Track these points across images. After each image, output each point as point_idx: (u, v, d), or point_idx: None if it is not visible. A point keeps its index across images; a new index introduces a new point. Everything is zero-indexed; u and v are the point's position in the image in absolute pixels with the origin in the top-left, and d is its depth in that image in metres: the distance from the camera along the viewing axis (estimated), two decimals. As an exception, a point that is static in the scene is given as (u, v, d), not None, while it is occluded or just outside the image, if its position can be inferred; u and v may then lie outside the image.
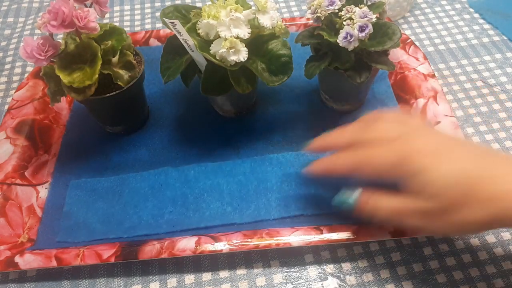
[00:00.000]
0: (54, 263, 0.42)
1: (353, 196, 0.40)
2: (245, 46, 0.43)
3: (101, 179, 0.50)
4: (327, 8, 0.45)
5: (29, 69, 0.66)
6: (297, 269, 0.44)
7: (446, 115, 0.51)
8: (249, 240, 0.42)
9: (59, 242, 0.45)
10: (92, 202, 0.48)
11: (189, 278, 0.44)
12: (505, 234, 0.45)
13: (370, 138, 0.40)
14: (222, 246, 0.42)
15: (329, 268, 0.44)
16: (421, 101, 0.53)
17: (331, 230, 0.43)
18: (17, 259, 0.43)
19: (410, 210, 0.36)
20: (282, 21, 0.61)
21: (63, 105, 0.58)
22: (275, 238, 0.42)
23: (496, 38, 0.67)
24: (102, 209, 0.48)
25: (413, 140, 0.38)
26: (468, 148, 0.37)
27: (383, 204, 0.38)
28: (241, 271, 0.44)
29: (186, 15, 0.50)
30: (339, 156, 0.41)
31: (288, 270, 0.44)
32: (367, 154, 0.39)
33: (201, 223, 0.46)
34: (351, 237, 0.42)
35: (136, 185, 0.49)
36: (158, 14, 0.75)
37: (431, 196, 0.35)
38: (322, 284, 0.42)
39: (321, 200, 0.47)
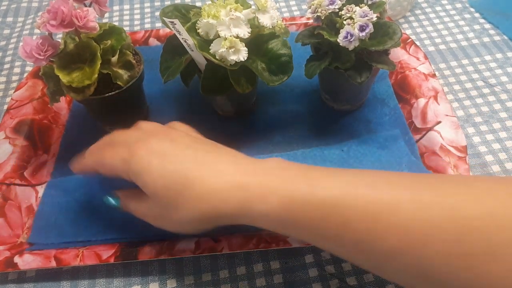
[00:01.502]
0: (53, 264, 0.42)
1: (115, 200, 0.42)
2: (245, 46, 0.43)
3: (74, 178, 0.49)
4: (327, 7, 0.45)
5: (28, 68, 0.66)
6: (297, 269, 0.44)
7: (446, 115, 0.51)
8: (249, 240, 0.42)
9: (29, 243, 0.45)
10: (65, 202, 0.48)
11: (189, 279, 0.43)
12: (506, 235, 0.45)
13: (124, 137, 0.41)
14: (222, 246, 0.42)
15: (329, 268, 0.44)
16: (421, 101, 0.53)
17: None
18: (16, 259, 0.42)
19: (147, 211, 0.38)
20: (282, 20, 0.61)
21: (63, 105, 0.58)
22: (275, 238, 0.42)
23: (497, 38, 0.67)
24: (73, 210, 0.47)
25: (149, 139, 0.38)
26: (195, 149, 0.38)
27: (132, 208, 0.40)
28: (241, 271, 0.44)
29: (185, 14, 0.50)
30: (84, 157, 0.42)
31: (288, 270, 0.44)
32: (108, 150, 0.40)
33: None
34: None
35: (108, 187, 0.48)
36: (157, 13, 0.75)
37: (152, 196, 0.36)
38: (322, 284, 0.42)
39: None
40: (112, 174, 0.39)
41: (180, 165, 0.36)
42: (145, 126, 0.42)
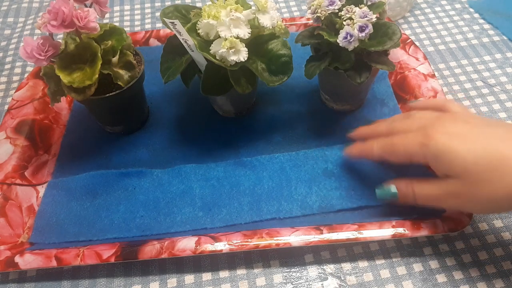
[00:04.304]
0: (54, 263, 0.42)
1: (393, 188, 0.42)
2: (245, 46, 0.43)
3: (75, 177, 0.50)
4: (327, 8, 0.45)
5: (29, 69, 0.66)
6: (297, 269, 0.44)
7: (446, 115, 0.51)
8: (249, 240, 0.42)
9: (30, 243, 0.45)
10: (66, 202, 0.48)
11: (189, 278, 0.44)
12: (505, 234, 0.45)
13: (404, 126, 0.42)
14: (222, 246, 0.42)
15: (329, 268, 0.44)
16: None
17: (331, 230, 0.43)
18: (17, 259, 0.43)
19: (444, 193, 0.38)
20: (282, 21, 0.61)
21: (63, 105, 0.58)
22: (275, 238, 0.42)
23: (496, 38, 0.67)
24: (75, 210, 0.48)
25: (440, 123, 0.39)
26: (492, 126, 0.38)
27: (420, 191, 0.40)
28: (241, 271, 0.44)
29: (186, 15, 0.50)
30: (373, 142, 0.44)
31: (288, 270, 0.44)
32: (398, 138, 0.41)
33: (171, 228, 0.45)
34: (351, 237, 0.42)
35: (109, 187, 0.49)
36: (158, 14, 0.75)
37: (458, 174, 0.37)
38: (322, 284, 0.42)
39: (293, 203, 0.47)
40: (404, 159, 0.41)
41: (487, 142, 0.36)
42: (418, 114, 0.43)
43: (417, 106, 0.47)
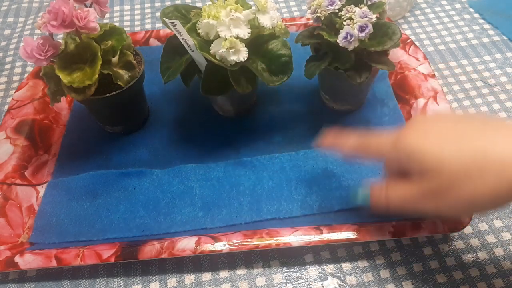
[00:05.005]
0: (54, 263, 0.42)
1: (362, 191, 0.40)
2: (245, 46, 0.43)
3: (75, 177, 0.50)
4: (327, 8, 0.45)
5: (29, 69, 0.66)
6: (297, 269, 0.44)
7: (446, 115, 0.51)
8: (249, 240, 0.42)
9: (30, 243, 0.45)
10: (66, 202, 0.48)
11: (189, 278, 0.44)
12: (505, 234, 0.45)
13: (377, 134, 0.40)
14: (222, 246, 0.42)
15: (329, 268, 0.44)
16: (421, 101, 0.53)
17: (331, 230, 0.43)
18: (17, 259, 0.43)
19: (420, 194, 0.35)
20: (282, 21, 0.61)
21: (63, 105, 0.58)
22: (275, 238, 0.42)
23: (496, 38, 0.67)
24: (75, 210, 0.48)
25: (412, 124, 0.37)
26: (466, 121, 0.36)
27: (394, 193, 0.37)
28: (241, 271, 0.44)
29: (186, 15, 0.50)
30: (349, 136, 0.42)
31: (288, 270, 0.44)
32: (372, 137, 0.40)
33: (171, 228, 0.45)
34: (351, 237, 0.42)
35: (109, 187, 0.49)
36: (158, 14, 0.75)
37: (433, 173, 0.34)
38: (322, 284, 0.42)
39: (293, 203, 0.47)
40: (377, 156, 0.40)
41: (461, 138, 0.33)
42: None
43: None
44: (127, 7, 0.78)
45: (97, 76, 0.45)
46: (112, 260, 0.42)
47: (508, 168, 0.31)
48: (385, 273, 0.43)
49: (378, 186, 0.39)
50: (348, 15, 0.44)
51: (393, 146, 0.37)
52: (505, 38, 0.67)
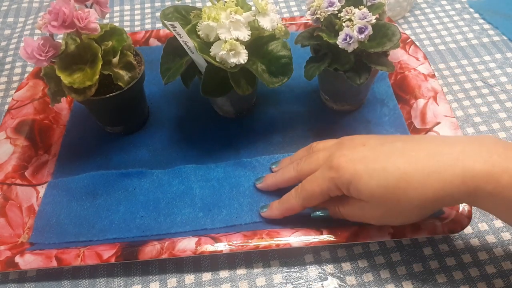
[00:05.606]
0: (54, 263, 0.42)
1: (322, 212, 0.44)
2: (245, 48, 0.43)
3: (75, 178, 0.50)
4: (326, 9, 0.45)
5: (29, 69, 0.66)
6: (297, 269, 0.44)
7: (446, 116, 0.51)
8: (249, 240, 0.42)
9: (30, 243, 0.45)
10: (66, 202, 0.48)
11: (189, 278, 0.44)
12: (505, 234, 0.45)
13: (310, 165, 0.43)
14: (222, 246, 0.42)
15: (329, 268, 0.44)
16: (421, 101, 0.53)
17: (331, 231, 0.43)
18: (17, 259, 0.43)
19: (363, 214, 0.40)
20: (282, 20, 0.61)
21: (63, 105, 0.58)
22: (275, 239, 0.42)
23: (496, 38, 0.67)
24: (75, 210, 0.48)
25: (341, 151, 0.40)
26: (390, 143, 0.39)
27: (345, 212, 0.41)
28: (241, 271, 0.44)
29: (186, 16, 0.50)
30: (289, 196, 0.44)
31: (288, 270, 0.44)
32: (309, 182, 0.42)
33: (172, 228, 0.45)
34: (351, 237, 0.42)
35: (110, 187, 0.49)
36: (158, 14, 0.75)
37: (370, 198, 0.38)
38: (322, 284, 0.43)
39: None
40: (324, 199, 0.41)
41: (386, 161, 0.37)
42: (318, 146, 0.45)
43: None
44: (127, 7, 0.78)
45: (97, 76, 0.45)
46: (113, 260, 0.42)
47: (423, 187, 0.35)
48: (385, 273, 0.43)
49: (333, 206, 0.42)
50: (347, 17, 0.44)
51: (331, 181, 0.39)
52: (505, 38, 0.67)
